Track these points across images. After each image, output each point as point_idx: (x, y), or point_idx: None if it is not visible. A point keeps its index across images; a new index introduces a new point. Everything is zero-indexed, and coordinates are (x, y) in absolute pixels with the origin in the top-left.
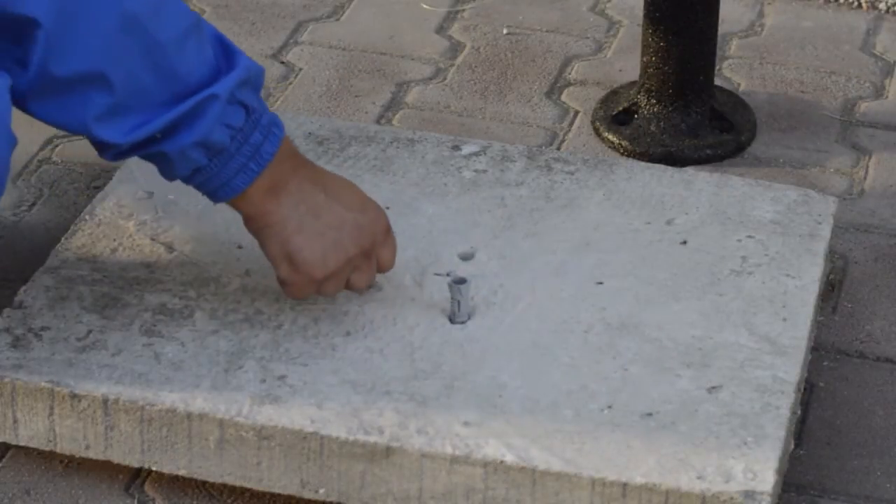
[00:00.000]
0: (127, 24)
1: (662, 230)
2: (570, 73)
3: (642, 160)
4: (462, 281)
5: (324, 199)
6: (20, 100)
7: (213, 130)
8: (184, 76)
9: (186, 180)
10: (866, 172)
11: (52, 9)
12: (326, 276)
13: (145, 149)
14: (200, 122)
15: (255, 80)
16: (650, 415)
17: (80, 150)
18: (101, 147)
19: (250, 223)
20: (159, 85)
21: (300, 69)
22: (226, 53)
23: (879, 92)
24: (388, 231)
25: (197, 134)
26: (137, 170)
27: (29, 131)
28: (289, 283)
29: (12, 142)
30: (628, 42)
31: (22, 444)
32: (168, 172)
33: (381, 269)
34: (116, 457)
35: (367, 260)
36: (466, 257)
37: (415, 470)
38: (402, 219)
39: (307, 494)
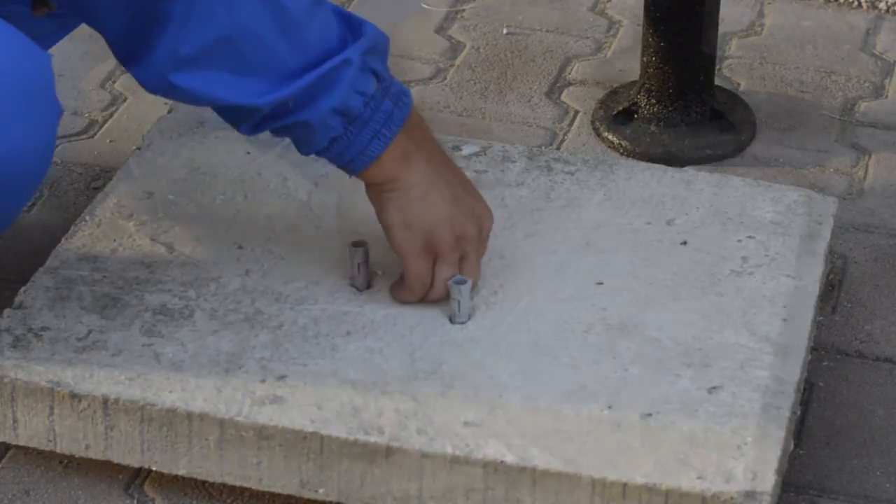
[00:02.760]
0: None
1: (663, 230)
2: (570, 73)
3: (642, 160)
4: (462, 281)
5: (450, 174)
6: (159, 75)
7: (348, 96)
8: (314, 44)
9: (323, 152)
10: (866, 172)
11: None
12: (439, 247)
13: (284, 119)
14: (337, 87)
15: (382, 47)
16: (650, 415)
17: (79, 150)
18: (239, 117)
19: (374, 188)
20: (291, 52)
21: None
22: (349, 24)
23: (879, 92)
24: (488, 231)
25: (335, 99)
26: (137, 170)
27: None
28: (405, 249)
29: (59, 111)
30: (628, 42)
31: (22, 443)
32: (306, 144)
33: (465, 271)
34: (116, 457)
35: (460, 250)
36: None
37: (415, 470)
38: None
39: (307, 494)
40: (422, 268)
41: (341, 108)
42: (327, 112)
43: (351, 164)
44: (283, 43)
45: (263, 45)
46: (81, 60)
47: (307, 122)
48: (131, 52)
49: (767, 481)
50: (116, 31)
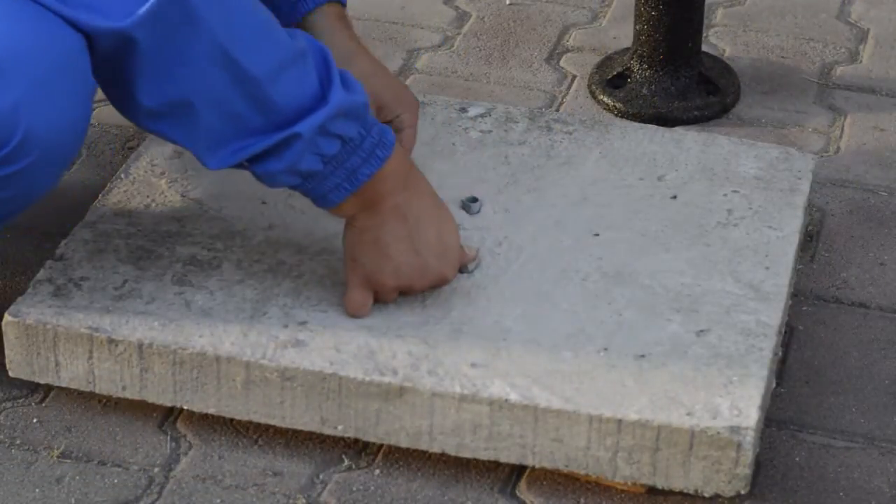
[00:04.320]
0: (217, 56)
1: (654, 185)
2: (567, 41)
3: (635, 121)
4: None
5: (407, 232)
6: (131, 116)
7: (301, 160)
8: (280, 106)
9: (291, 189)
10: (842, 132)
11: (149, 31)
12: (379, 289)
13: (243, 167)
14: (287, 154)
15: (353, 111)
16: (643, 356)
17: (115, 113)
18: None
19: (346, 219)
20: (253, 114)
21: None
22: (324, 86)
23: (854, 57)
24: (444, 283)
25: (285, 163)
26: None
27: None
28: (347, 278)
29: (93, 86)
30: (622, 11)
31: (63, 385)
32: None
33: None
34: (151, 397)
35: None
36: (472, 212)
37: (426, 408)
38: None
39: (327, 431)
40: (357, 299)
41: (292, 169)
42: (276, 172)
43: (312, 200)
44: (243, 106)
45: (222, 108)
46: None
47: (261, 177)
48: (110, 93)
49: (751, 417)
50: (98, 75)
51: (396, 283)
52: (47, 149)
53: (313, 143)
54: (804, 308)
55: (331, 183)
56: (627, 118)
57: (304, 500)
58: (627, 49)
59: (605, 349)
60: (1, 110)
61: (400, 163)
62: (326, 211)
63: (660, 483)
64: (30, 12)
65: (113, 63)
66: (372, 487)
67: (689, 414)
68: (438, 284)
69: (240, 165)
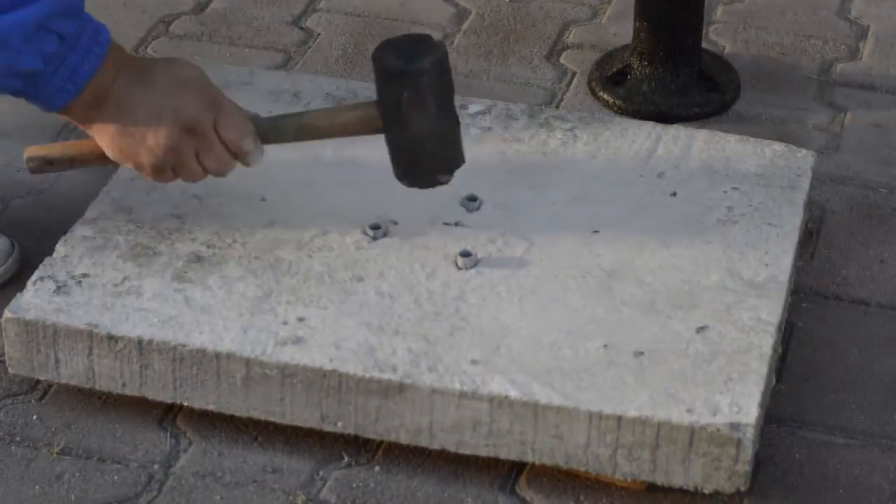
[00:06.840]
0: None
1: (654, 182)
2: (567, 38)
3: (635, 118)
4: (468, 254)
5: (141, 94)
6: None
7: (20, 58)
8: None
9: (14, 95)
10: (842, 129)
11: None
12: (157, 162)
13: None
14: (3, 51)
15: (68, 9)
16: (643, 353)
17: None
18: None
19: (79, 125)
20: None
21: (318, 34)
22: None
23: (854, 54)
24: (217, 104)
25: (4, 60)
26: None
27: None
28: (133, 166)
29: None
30: (622, 8)
31: (63, 382)
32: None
33: (228, 146)
34: (150, 393)
35: (205, 140)
36: (471, 209)
37: (426, 405)
38: None
39: (327, 427)
40: (158, 178)
41: (11, 68)
42: None
43: (42, 106)
44: None
45: None
46: (116, 26)
47: None
48: None
49: (751, 414)
50: None
51: (169, 142)
52: None
53: (34, 39)
54: (804, 305)
55: (54, 85)
56: (627, 115)
57: (303, 497)
58: (627, 46)
59: (605, 346)
60: None
61: (115, 50)
62: (58, 113)
63: (660, 480)
64: None
65: None
66: (372, 484)
67: (688, 411)
68: (215, 104)
69: None
